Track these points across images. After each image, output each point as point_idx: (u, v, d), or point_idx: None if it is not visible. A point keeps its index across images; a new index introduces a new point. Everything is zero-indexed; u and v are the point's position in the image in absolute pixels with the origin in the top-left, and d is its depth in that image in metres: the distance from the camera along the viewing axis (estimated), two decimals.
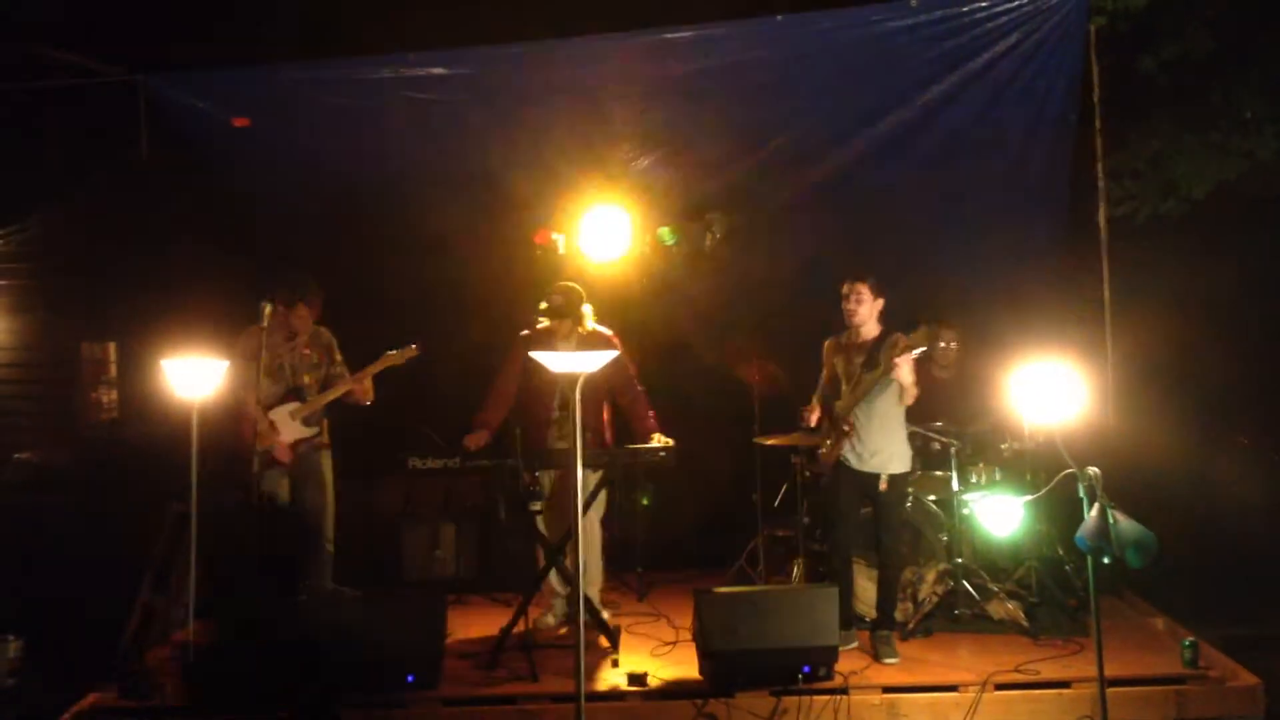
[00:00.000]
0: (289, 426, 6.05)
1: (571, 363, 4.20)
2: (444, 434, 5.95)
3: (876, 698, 5.12)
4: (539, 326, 6.18)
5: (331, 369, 6.22)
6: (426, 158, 6.75)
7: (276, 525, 6.05)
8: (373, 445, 6.48)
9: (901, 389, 5.56)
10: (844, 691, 5.09)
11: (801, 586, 6.26)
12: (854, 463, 5.68)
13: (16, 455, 8.06)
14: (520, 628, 5.61)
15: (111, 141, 6.92)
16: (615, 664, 5.54)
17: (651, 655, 5.72)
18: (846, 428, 5.66)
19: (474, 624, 6.24)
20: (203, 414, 4.90)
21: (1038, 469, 6.20)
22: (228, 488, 5.97)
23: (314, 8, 7.23)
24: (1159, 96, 6.87)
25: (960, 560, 6.07)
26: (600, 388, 5.98)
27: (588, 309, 6.14)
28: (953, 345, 6.67)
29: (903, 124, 6.42)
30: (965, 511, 6.22)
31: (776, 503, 7.07)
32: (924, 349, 5.41)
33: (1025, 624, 5.86)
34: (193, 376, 4.79)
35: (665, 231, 7.05)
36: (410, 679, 5.16)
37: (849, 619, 5.68)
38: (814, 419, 5.82)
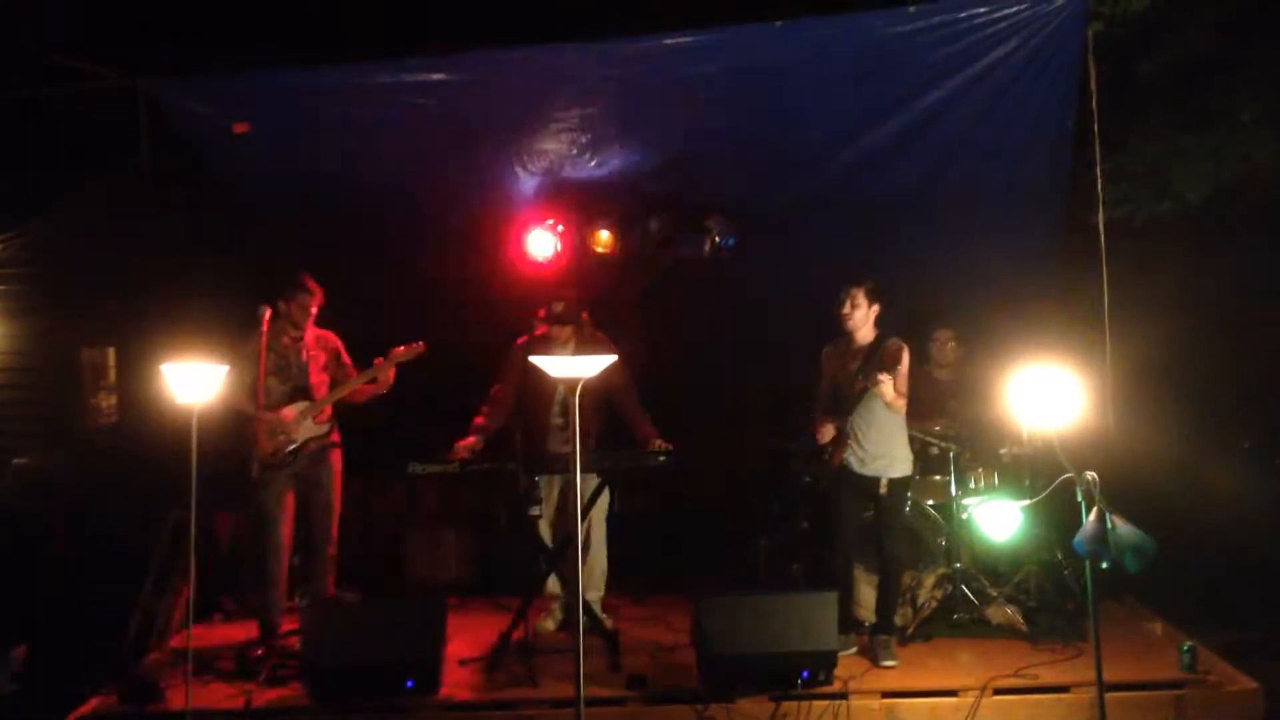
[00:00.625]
0: (300, 426, 6.05)
1: (571, 368, 4.21)
2: (442, 439, 5.97)
3: (876, 702, 5.13)
4: (536, 333, 6.20)
5: (339, 371, 6.22)
6: (427, 162, 6.76)
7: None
8: (374, 450, 6.49)
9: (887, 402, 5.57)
10: (843, 696, 5.10)
11: (801, 591, 6.26)
12: (856, 466, 5.70)
13: (15, 460, 8.05)
14: (520, 633, 5.61)
15: (111, 146, 6.92)
16: (615, 668, 5.55)
17: (651, 659, 5.72)
18: (848, 437, 5.67)
19: (474, 629, 6.24)
20: (202, 419, 4.89)
21: (1036, 473, 6.21)
22: (214, 496, 5.96)
23: (317, 13, 7.27)
24: (1156, 100, 6.88)
25: (959, 565, 6.08)
26: (598, 393, 6.00)
27: (585, 316, 6.16)
28: (950, 345, 6.69)
29: (901, 129, 6.43)
30: (964, 516, 6.23)
31: (776, 507, 7.07)
32: (894, 374, 5.41)
33: (1024, 629, 5.87)
34: (192, 381, 4.79)
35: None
36: (410, 684, 5.17)
37: (848, 623, 5.69)
38: (828, 436, 5.78)
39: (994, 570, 6.29)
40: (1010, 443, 6.33)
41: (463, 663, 5.63)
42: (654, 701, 5.18)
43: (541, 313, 6.17)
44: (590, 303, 6.34)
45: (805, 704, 5.04)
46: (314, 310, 6.11)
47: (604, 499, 6.11)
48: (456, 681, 5.40)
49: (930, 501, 6.39)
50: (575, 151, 6.77)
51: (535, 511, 5.64)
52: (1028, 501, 5.82)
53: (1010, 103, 6.24)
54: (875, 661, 5.51)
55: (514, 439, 5.72)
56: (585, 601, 5.67)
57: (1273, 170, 6.70)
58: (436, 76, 6.32)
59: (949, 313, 6.78)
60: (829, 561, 6.02)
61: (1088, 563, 4.36)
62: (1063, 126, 6.31)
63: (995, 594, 6.04)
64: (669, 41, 6.12)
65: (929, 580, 6.12)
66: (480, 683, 5.43)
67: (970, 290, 6.82)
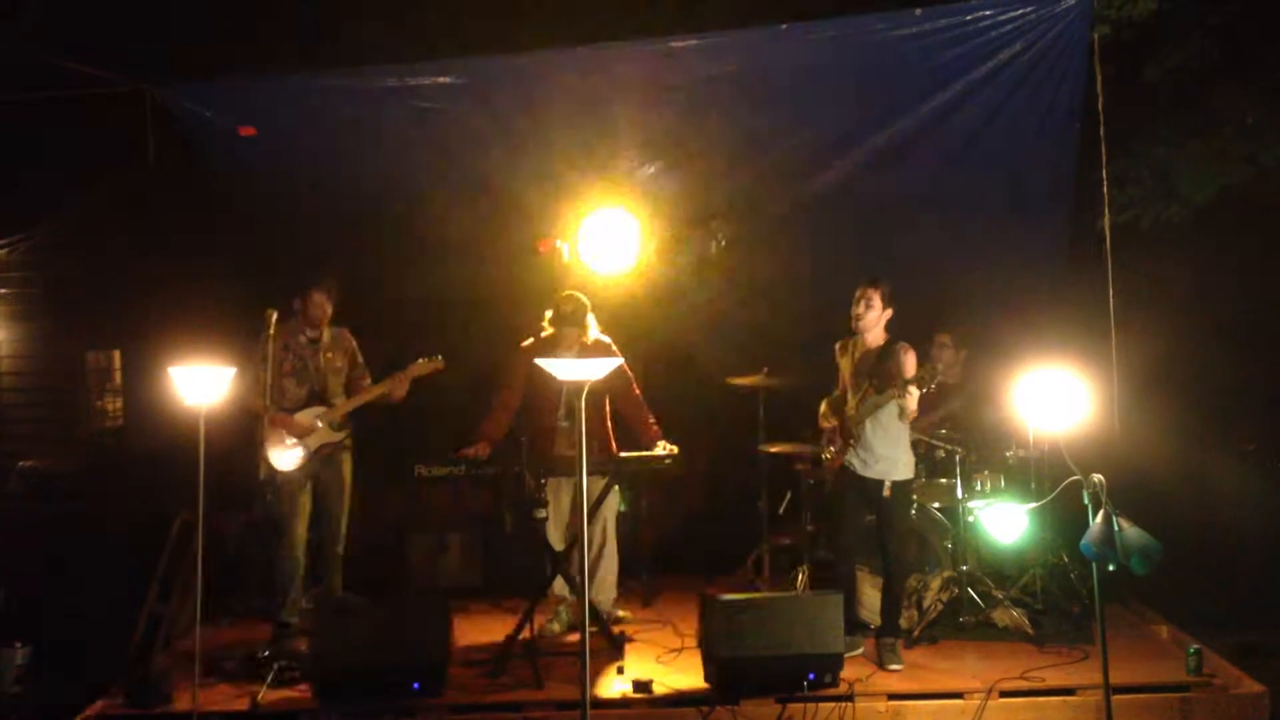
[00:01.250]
0: (316, 431, 6.05)
1: (576, 370, 4.21)
2: (449, 441, 5.97)
3: (882, 705, 5.13)
4: (541, 335, 6.21)
5: (354, 373, 6.23)
6: (431, 166, 6.77)
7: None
8: (380, 453, 6.49)
9: (902, 408, 5.56)
10: (849, 699, 5.10)
11: (807, 594, 6.26)
12: (858, 468, 5.69)
13: (22, 463, 8.08)
14: (526, 635, 5.62)
15: (117, 150, 6.94)
16: (621, 671, 5.55)
17: (657, 662, 5.72)
18: (852, 440, 5.67)
19: (479, 631, 6.24)
20: (209, 422, 4.89)
21: (1042, 476, 6.20)
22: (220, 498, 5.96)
23: (320, 16, 7.28)
24: (1162, 103, 6.88)
25: (965, 567, 6.07)
26: (603, 395, 6.00)
27: (592, 318, 6.16)
28: (949, 350, 6.69)
29: (907, 132, 6.42)
30: (970, 519, 6.22)
31: (781, 510, 7.07)
32: (929, 386, 5.42)
33: (1030, 631, 5.87)
34: (199, 384, 4.79)
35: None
36: (416, 686, 5.18)
37: (854, 625, 5.69)
38: (836, 437, 5.78)
39: (1000, 573, 6.28)
40: (1016, 445, 6.33)
41: (468, 664, 5.64)
42: (660, 704, 5.18)
43: (549, 315, 6.18)
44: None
45: (811, 706, 5.04)
46: (329, 309, 6.11)
47: (614, 502, 6.10)
48: (462, 684, 5.40)
49: (936, 504, 6.38)
50: (580, 155, 6.78)
51: (541, 514, 5.64)
52: (1034, 504, 5.80)
53: (1016, 105, 6.24)
54: (881, 664, 5.50)
55: (520, 442, 5.73)
56: (592, 603, 5.68)
57: (1278, 172, 6.70)
58: (443, 80, 6.33)
59: (953, 315, 6.78)
60: (833, 564, 6.02)
61: (1094, 565, 4.36)
62: (1068, 129, 6.30)
63: (1001, 597, 6.04)
64: (675, 44, 6.12)
65: (935, 583, 6.11)
66: (486, 685, 5.42)
67: (976, 293, 6.81)
